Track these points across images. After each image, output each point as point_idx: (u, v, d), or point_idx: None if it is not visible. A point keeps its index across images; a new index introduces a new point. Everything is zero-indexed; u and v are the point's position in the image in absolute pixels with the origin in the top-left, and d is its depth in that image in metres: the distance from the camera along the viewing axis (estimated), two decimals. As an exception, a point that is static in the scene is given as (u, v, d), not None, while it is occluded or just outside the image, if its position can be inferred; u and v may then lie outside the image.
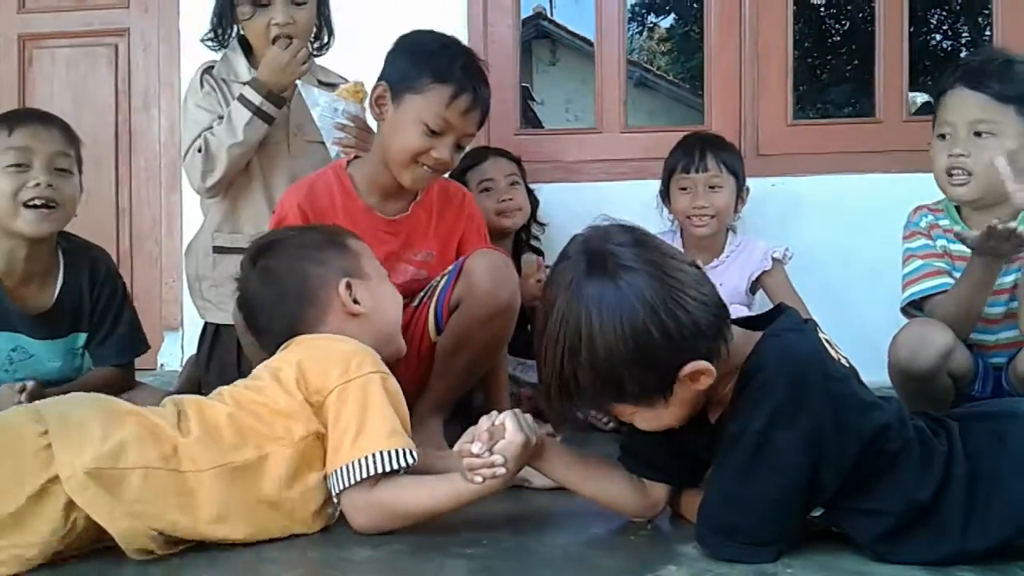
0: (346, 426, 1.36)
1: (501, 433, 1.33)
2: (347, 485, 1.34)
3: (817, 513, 1.30)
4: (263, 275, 1.57)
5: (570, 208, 2.83)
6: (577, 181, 2.99)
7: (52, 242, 2.05)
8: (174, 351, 3.19)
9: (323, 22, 2.40)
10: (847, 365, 1.29)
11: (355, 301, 1.55)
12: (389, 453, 1.34)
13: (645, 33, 14.49)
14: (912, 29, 3.05)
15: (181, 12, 3.16)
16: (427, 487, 1.37)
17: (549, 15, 13.22)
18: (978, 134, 1.84)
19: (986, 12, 3.04)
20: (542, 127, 8.56)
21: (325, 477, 1.38)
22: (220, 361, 2.33)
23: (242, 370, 2.23)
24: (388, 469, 1.33)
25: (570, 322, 1.18)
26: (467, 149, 2.00)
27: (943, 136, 1.90)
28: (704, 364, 1.20)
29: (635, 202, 2.68)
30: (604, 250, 1.21)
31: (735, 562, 1.24)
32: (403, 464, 1.34)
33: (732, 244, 2.56)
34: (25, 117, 2.03)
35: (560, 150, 3.09)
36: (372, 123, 2.16)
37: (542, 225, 2.78)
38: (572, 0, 12.49)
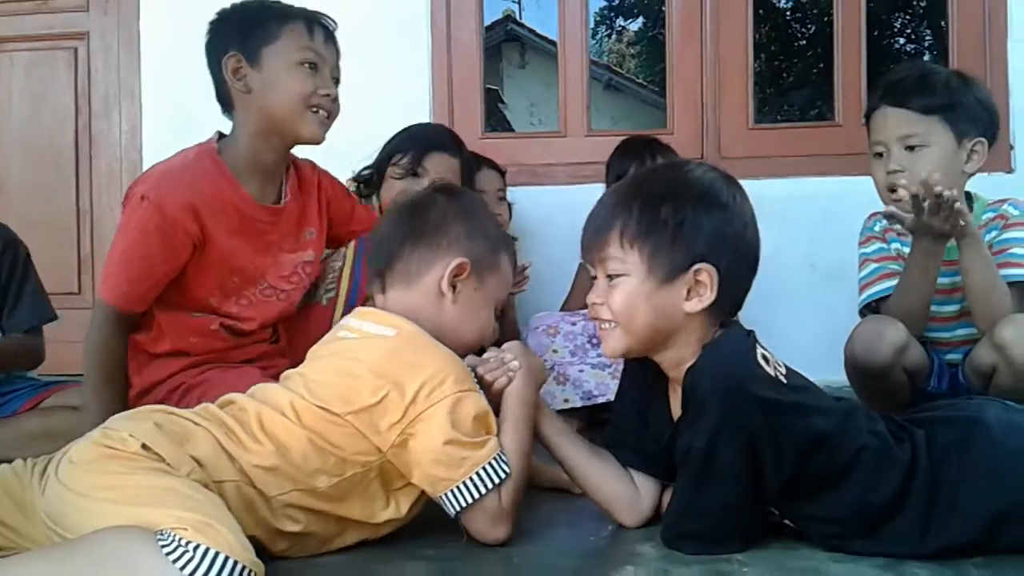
0: (440, 450, 1.31)
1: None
2: (469, 503, 1.32)
3: (776, 511, 1.34)
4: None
5: (535, 211, 2.85)
6: (542, 184, 3.00)
7: None
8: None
9: None
10: (784, 374, 1.30)
11: (453, 288, 1.45)
12: (494, 460, 1.33)
13: (614, 36, 14.56)
14: (876, 32, 3.10)
15: (141, 15, 3.13)
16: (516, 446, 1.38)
17: (519, 18, 13.24)
18: (910, 148, 1.90)
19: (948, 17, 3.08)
20: (513, 130, 8.56)
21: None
22: None
23: None
24: (503, 476, 1.33)
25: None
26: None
27: (879, 155, 1.96)
28: None
29: (599, 205, 2.72)
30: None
31: (699, 554, 1.28)
32: (505, 466, 1.34)
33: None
34: None
35: (525, 153, 3.10)
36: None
37: (514, 239, 2.76)
38: (539, 3, 12.49)
